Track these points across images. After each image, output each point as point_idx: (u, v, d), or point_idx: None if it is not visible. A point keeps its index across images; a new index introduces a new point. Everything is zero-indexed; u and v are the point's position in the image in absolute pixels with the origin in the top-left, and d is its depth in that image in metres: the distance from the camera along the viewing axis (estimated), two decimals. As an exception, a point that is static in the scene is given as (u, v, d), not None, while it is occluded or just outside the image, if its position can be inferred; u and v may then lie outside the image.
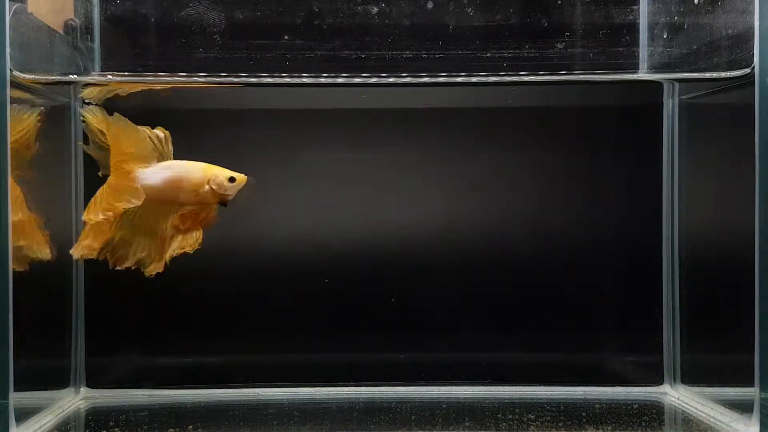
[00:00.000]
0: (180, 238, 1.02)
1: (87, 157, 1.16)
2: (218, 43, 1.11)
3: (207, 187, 1.01)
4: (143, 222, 1.03)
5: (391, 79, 1.07)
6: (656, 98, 1.18)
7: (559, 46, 1.12)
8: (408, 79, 1.07)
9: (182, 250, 1.02)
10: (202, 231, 1.02)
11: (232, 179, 1.02)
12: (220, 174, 1.02)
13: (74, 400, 1.14)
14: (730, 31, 0.99)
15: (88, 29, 1.11)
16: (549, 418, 1.04)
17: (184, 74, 1.08)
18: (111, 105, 1.10)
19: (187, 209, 1.02)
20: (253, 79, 1.08)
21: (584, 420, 1.04)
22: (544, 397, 1.15)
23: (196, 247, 1.02)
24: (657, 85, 1.17)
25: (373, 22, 1.11)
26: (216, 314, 1.20)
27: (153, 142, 1.01)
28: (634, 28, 1.14)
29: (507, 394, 1.16)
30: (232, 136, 1.19)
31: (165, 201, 1.02)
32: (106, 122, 1.00)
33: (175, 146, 1.02)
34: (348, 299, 1.20)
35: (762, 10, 0.91)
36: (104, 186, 1.01)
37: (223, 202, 1.03)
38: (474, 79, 1.08)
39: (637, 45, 1.14)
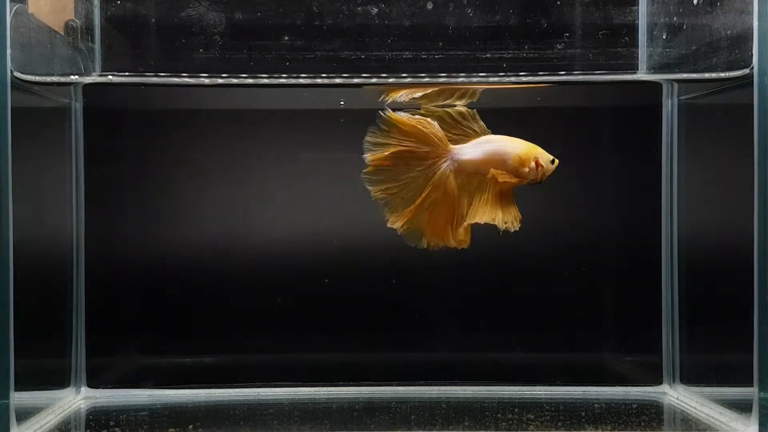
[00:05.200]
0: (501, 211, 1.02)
1: (87, 158, 1.16)
2: (218, 44, 1.11)
3: (533, 163, 1.01)
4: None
5: (391, 80, 1.07)
6: (655, 99, 1.18)
7: (559, 46, 1.12)
8: (408, 80, 1.07)
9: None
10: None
11: (552, 160, 1.01)
12: (543, 153, 1.01)
13: (75, 399, 1.14)
14: (728, 32, 0.99)
15: (88, 30, 1.11)
16: (548, 417, 1.04)
17: (184, 75, 1.08)
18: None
19: (510, 182, 1.01)
20: (253, 80, 1.08)
21: (583, 420, 1.04)
22: (543, 396, 1.15)
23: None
24: (656, 86, 1.17)
25: (373, 22, 1.11)
26: (216, 314, 1.20)
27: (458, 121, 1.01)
28: (633, 28, 1.14)
29: (507, 393, 1.16)
30: (232, 136, 1.19)
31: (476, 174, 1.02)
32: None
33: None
34: (348, 299, 1.20)
35: (761, 11, 0.91)
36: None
37: (537, 181, 1.02)
38: (474, 80, 1.08)
39: (636, 45, 1.14)
